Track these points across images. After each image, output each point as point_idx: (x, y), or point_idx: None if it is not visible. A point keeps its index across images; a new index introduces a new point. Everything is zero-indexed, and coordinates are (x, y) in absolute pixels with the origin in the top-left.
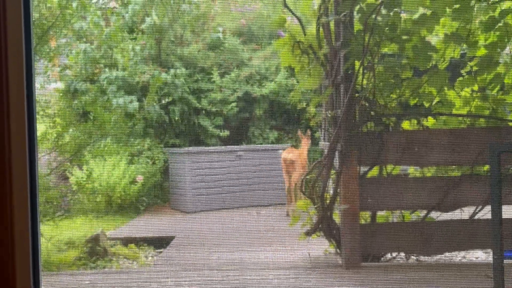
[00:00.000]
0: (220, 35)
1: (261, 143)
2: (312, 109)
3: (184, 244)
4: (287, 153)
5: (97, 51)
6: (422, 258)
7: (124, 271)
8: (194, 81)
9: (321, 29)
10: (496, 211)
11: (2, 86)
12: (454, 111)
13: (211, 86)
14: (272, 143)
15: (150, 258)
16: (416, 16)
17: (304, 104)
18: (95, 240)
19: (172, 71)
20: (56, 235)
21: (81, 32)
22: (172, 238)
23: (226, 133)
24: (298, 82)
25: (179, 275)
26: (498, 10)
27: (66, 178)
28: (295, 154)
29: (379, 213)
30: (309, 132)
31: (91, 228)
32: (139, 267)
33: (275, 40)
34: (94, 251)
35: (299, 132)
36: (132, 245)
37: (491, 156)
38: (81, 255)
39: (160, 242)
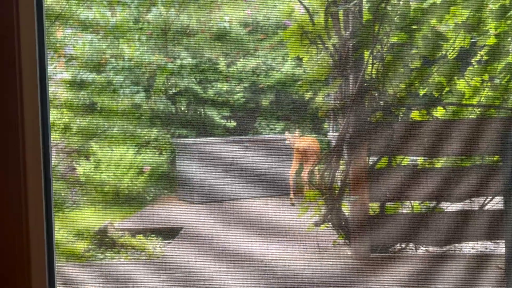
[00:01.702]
0: (227, 24)
1: (268, 134)
2: (320, 99)
3: (192, 234)
4: (299, 142)
5: (103, 41)
6: (431, 249)
7: (133, 262)
8: (200, 71)
9: (329, 18)
10: (509, 202)
11: (16, 76)
12: (464, 101)
13: (217, 76)
14: (279, 133)
15: (158, 249)
16: (426, 5)
17: (312, 94)
18: (103, 231)
19: (178, 61)
20: (64, 226)
21: (87, 22)
22: (180, 228)
23: (233, 123)
24: (305, 72)
25: (187, 266)
26: None
27: (74, 169)
28: (308, 142)
29: (388, 204)
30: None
31: (99, 219)
32: (148, 258)
33: (281, 29)
34: (103, 243)
35: (296, 132)
36: (140, 236)
37: (503, 146)
38: (90, 246)
39: (168, 233)
